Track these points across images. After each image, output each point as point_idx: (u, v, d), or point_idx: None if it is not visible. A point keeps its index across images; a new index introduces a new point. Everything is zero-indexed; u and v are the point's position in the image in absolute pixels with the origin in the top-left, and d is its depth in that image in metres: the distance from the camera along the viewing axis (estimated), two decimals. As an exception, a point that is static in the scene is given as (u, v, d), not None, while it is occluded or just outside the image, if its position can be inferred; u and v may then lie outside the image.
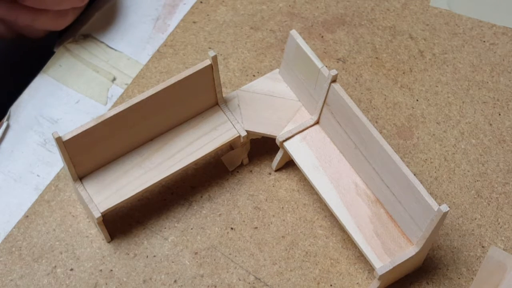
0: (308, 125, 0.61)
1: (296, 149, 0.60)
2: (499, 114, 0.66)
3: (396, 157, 0.54)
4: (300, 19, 0.71)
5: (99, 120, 0.55)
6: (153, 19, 0.72)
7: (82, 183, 0.57)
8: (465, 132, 0.65)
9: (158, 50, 0.69)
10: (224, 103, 0.61)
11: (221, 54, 0.69)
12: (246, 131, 0.60)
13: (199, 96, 0.59)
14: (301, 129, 0.60)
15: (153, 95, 0.56)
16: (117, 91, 0.67)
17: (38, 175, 0.63)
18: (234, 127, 0.60)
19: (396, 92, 0.67)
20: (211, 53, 0.57)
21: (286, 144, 0.60)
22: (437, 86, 0.68)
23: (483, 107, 0.67)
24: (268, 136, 0.61)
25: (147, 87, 0.67)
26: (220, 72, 0.68)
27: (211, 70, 0.58)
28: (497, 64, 0.69)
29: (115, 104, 0.66)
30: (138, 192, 0.57)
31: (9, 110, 0.66)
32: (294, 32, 0.59)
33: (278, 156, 0.62)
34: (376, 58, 0.69)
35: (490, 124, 0.66)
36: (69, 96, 0.67)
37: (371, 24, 0.71)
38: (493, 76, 0.68)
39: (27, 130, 0.65)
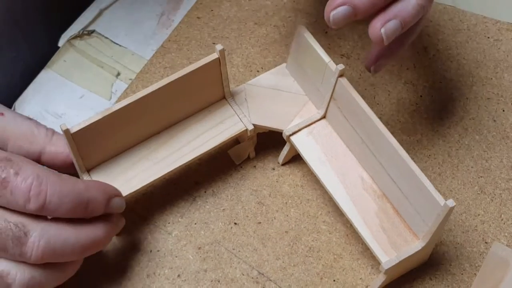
0: (315, 119, 0.61)
1: (302, 143, 0.60)
2: (503, 110, 0.66)
3: (403, 152, 0.54)
4: (304, 15, 0.71)
5: (107, 113, 0.55)
6: (157, 15, 0.72)
7: (89, 175, 0.57)
8: (468, 128, 0.65)
9: (162, 46, 0.69)
10: (231, 97, 0.61)
11: (225, 50, 0.69)
12: (253, 125, 0.60)
13: (206, 90, 0.59)
14: (308, 123, 0.60)
15: (160, 88, 0.56)
16: (121, 86, 0.67)
17: (42, 170, 0.63)
18: (241, 121, 0.60)
19: (400, 88, 0.67)
20: (219, 47, 0.57)
21: (292, 138, 0.60)
22: (441, 82, 0.68)
23: (487, 103, 0.67)
24: (275, 130, 0.61)
25: (151, 82, 0.67)
26: (224, 68, 0.68)
27: (218, 64, 0.58)
28: (501, 60, 0.69)
29: (119, 99, 0.66)
30: (146, 184, 0.57)
31: (14, 105, 0.66)
32: (301, 27, 0.59)
33: (285, 150, 0.62)
34: (380, 54, 0.69)
35: (494, 120, 0.66)
36: (74, 91, 0.67)
37: (375, 20, 0.71)
38: (497, 72, 0.68)
39: (31, 125, 0.65)
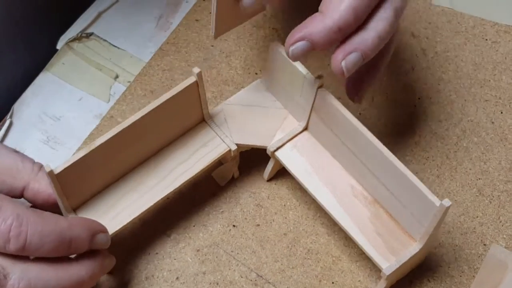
0: (297, 132, 0.60)
1: (288, 157, 0.59)
2: (501, 112, 0.66)
3: (391, 157, 0.54)
4: (302, 16, 0.71)
5: (89, 149, 0.53)
6: (155, 17, 0.72)
7: (76, 213, 0.56)
8: (467, 130, 0.65)
9: (160, 48, 0.70)
10: (211, 119, 0.60)
11: (223, 52, 0.69)
12: (236, 144, 0.59)
13: (186, 114, 0.58)
14: (290, 137, 0.60)
15: (141, 118, 0.55)
16: (119, 88, 0.67)
17: (41, 172, 0.63)
18: (224, 142, 0.59)
19: (398, 90, 0.67)
20: (196, 70, 0.56)
21: (277, 153, 0.59)
22: (439, 84, 0.68)
23: (485, 105, 0.67)
24: (258, 147, 0.60)
25: (149, 84, 0.67)
26: (222, 70, 0.68)
27: (196, 87, 0.57)
28: (499, 63, 0.69)
29: (117, 102, 0.66)
30: (135, 217, 0.56)
31: (12, 107, 0.66)
32: (275, 44, 0.58)
33: (269, 166, 0.61)
34: (378, 56, 0.69)
35: (492, 122, 0.66)
36: (72, 93, 0.67)
37: (373, 22, 0.71)
38: (495, 74, 0.68)
39: (30, 127, 0.65)
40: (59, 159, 0.63)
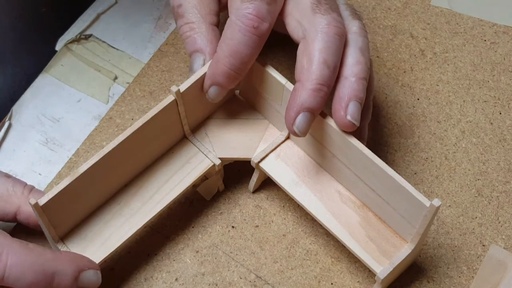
0: (280, 141, 0.60)
1: (273, 168, 0.59)
2: (500, 113, 0.66)
3: (378, 160, 0.53)
4: (301, 18, 0.71)
5: (73, 177, 0.53)
6: (154, 18, 0.72)
7: (64, 243, 0.55)
8: (465, 131, 0.65)
9: (159, 49, 0.70)
10: (192, 135, 0.60)
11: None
12: (219, 158, 0.59)
13: (166, 132, 0.58)
14: (274, 147, 0.60)
15: (122, 141, 0.54)
16: (118, 89, 0.67)
17: (40, 174, 0.63)
18: (207, 157, 0.59)
19: (397, 91, 0.67)
20: (174, 88, 0.56)
21: (261, 164, 0.59)
22: (438, 85, 0.68)
23: (484, 106, 0.67)
24: (242, 159, 0.60)
25: (148, 85, 0.67)
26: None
27: (175, 105, 0.57)
28: (498, 63, 0.69)
29: (116, 103, 0.66)
30: (125, 241, 0.56)
31: (11, 109, 0.66)
32: None
33: (254, 177, 0.61)
34: (377, 57, 0.69)
35: (491, 123, 0.66)
36: (71, 95, 0.67)
37: (372, 23, 0.71)
38: (494, 75, 0.69)
39: (29, 129, 0.65)
40: (58, 160, 0.63)
